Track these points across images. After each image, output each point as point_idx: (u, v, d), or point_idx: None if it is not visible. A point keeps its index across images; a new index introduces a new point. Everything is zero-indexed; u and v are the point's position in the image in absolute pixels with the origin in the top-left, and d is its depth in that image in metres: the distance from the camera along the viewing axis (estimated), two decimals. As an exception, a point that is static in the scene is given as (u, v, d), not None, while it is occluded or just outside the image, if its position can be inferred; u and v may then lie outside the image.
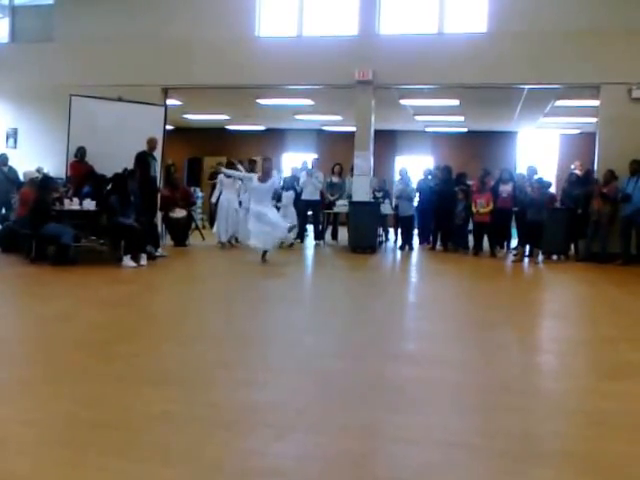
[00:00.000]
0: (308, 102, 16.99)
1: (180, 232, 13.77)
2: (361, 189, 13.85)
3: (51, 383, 4.25)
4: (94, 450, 3.18)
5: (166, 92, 14.69)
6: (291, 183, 14.56)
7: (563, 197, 13.62)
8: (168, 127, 14.55)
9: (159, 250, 11.34)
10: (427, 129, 21.63)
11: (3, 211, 12.94)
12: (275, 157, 22.02)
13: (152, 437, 3.37)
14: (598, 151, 13.10)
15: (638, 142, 12.33)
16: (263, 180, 10.87)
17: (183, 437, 3.37)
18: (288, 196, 13.96)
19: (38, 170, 13.15)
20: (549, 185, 12.94)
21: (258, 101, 17.08)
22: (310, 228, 15.75)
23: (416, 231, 15.33)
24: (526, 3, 13.04)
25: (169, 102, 14.87)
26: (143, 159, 11.43)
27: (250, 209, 11.07)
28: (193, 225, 14.71)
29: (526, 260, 12.41)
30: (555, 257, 12.70)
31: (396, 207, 14.91)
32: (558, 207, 13.07)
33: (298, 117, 19.86)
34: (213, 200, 14.37)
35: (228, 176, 13.04)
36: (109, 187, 10.73)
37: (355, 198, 13.88)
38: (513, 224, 13.72)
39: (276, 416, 3.75)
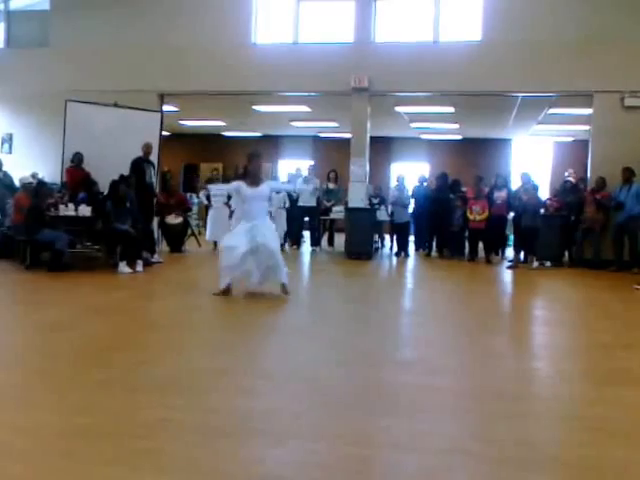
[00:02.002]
0: (304, 109, 17.05)
1: (176, 238, 13.79)
2: (357, 195, 13.90)
3: (47, 390, 4.26)
4: (91, 458, 3.19)
5: (162, 98, 14.71)
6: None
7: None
8: (164, 133, 14.57)
9: (155, 256, 11.35)
10: (422, 136, 21.70)
11: (-1, 217, 12.94)
12: (271, 163, 22.08)
13: (150, 445, 3.38)
14: (591, 159, 13.19)
15: (631, 150, 12.42)
16: (253, 183, 8.02)
17: (181, 444, 3.39)
18: (279, 198, 13.97)
19: (33, 176, 13.14)
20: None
21: (254, 108, 17.13)
22: (306, 234, 15.80)
23: (412, 237, 15.38)
24: (520, 12, 13.12)
25: (165, 108, 14.92)
26: (137, 165, 11.47)
27: (238, 231, 8.06)
28: (189, 231, 14.72)
29: (521, 266, 12.43)
30: (549, 263, 12.76)
31: (392, 214, 14.96)
32: (552, 213, 13.15)
33: (294, 124, 19.92)
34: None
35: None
36: (105, 193, 10.77)
37: (351, 204, 13.92)
38: (509, 230, 13.78)
39: (274, 423, 3.77)
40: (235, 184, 8.25)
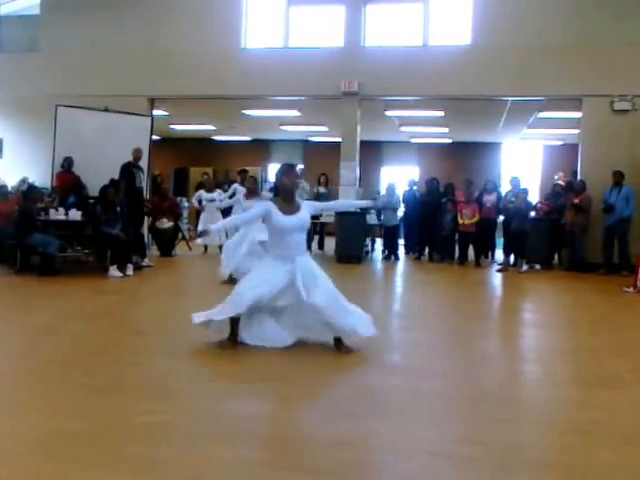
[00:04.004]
0: (294, 113, 17.06)
1: (166, 242, 13.79)
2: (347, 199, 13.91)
3: (35, 395, 4.26)
4: (77, 462, 3.20)
5: (152, 102, 14.71)
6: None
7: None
8: (155, 137, 14.57)
9: (145, 260, 11.35)
10: (412, 140, 21.74)
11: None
12: (261, 167, 22.08)
13: (136, 449, 3.39)
14: (581, 162, 13.26)
15: (620, 153, 12.51)
16: (289, 211, 5.66)
17: (167, 449, 3.40)
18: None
19: (23, 180, 13.14)
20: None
21: (244, 112, 17.13)
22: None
23: (402, 241, 15.40)
24: (509, 16, 13.19)
25: (156, 112, 14.90)
26: (127, 170, 11.46)
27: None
28: (180, 235, 14.73)
29: (510, 269, 12.48)
30: (538, 266, 12.81)
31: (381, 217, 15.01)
32: (542, 217, 13.22)
33: (284, 128, 19.93)
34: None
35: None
36: (96, 197, 10.77)
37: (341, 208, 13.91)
38: (499, 233, 13.83)
39: (262, 427, 3.78)
40: (263, 207, 5.73)
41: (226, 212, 14.40)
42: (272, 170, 22.93)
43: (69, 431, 3.57)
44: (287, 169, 5.82)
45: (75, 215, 10.65)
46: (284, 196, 5.74)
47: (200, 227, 14.48)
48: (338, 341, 5.59)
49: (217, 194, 14.73)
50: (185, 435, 3.57)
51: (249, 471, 3.17)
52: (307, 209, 5.80)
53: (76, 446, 3.38)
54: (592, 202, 12.41)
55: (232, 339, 5.59)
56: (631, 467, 3.38)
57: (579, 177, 13.18)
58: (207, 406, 4.12)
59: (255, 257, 8.22)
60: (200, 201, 14.74)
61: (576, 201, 12.39)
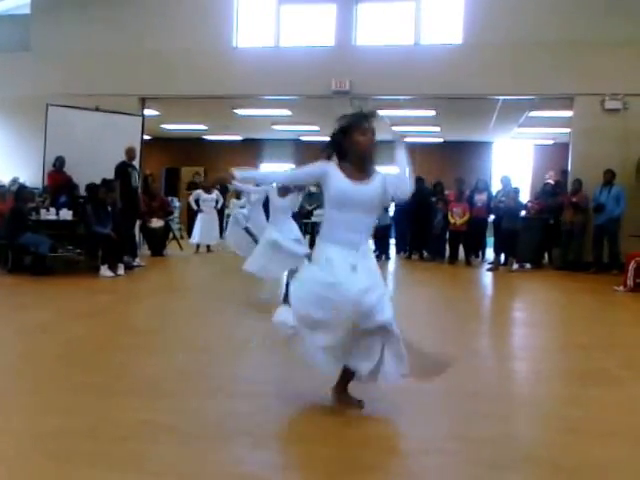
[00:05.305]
0: (285, 112, 17.06)
1: (157, 242, 13.77)
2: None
3: (30, 394, 4.26)
4: (73, 460, 3.21)
5: (144, 102, 14.67)
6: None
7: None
8: (146, 137, 14.54)
9: (136, 260, 11.33)
10: (404, 139, 21.73)
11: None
12: (254, 167, 22.05)
13: (132, 447, 3.40)
14: (571, 161, 13.30)
15: (611, 152, 12.55)
16: (359, 178, 4.09)
17: (163, 447, 3.40)
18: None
19: (14, 180, 13.10)
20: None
21: (235, 111, 17.11)
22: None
23: (393, 241, 15.43)
24: (501, 15, 13.21)
25: (147, 112, 14.86)
26: (123, 170, 11.42)
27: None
28: (171, 235, 14.70)
29: (501, 269, 12.51)
30: (529, 265, 12.86)
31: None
32: (533, 216, 13.26)
33: (275, 127, 19.91)
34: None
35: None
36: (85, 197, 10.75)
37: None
38: (489, 233, 13.86)
39: (255, 425, 3.78)
40: (320, 165, 4.09)
41: (222, 215, 14.46)
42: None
43: (64, 429, 3.58)
44: (358, 121, 4.17)
45: (66, 215, 10.63)
46: (356, 161, 4.08)
47: (197, 228, 14.41)
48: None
49: (215, 194, 14.77)
50: (181, 433, 3.57)
51: (244, 469, 3.18)
52: (382, 181, 4.17)
53: (72, 444, 3.38)
54: (588, 201, 12.46)
55: None
56: (621, 463, 3.41)
57: (570, 176, 13.23)
58: (203, 404, 4.12)
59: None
60: (197, 201, 14.69)
61: (574, 200, 12.44)
